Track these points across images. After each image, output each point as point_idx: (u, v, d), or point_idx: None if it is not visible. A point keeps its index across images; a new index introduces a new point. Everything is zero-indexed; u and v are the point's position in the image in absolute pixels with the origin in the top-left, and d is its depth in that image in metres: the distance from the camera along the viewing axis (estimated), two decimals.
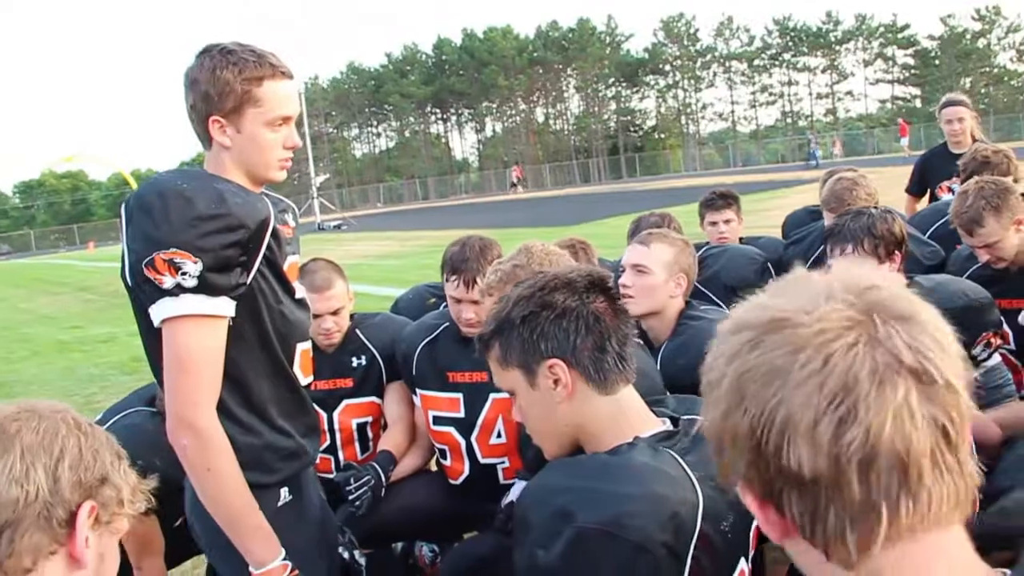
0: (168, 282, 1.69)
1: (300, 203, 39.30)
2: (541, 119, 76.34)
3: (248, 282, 1.79)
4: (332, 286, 3.04)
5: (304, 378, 2.02)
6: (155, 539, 2.63)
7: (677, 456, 1.43)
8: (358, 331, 3.12)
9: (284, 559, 1.82)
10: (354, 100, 76.82)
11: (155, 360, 1.79)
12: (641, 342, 2.39)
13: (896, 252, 2.56)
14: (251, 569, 1.80)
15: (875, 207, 2.70)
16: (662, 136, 72.62)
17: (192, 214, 1.69)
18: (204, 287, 1.70)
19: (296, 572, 1.83)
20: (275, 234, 1.83)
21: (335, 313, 3.06)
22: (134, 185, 32.01)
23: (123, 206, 1.78)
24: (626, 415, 1.51)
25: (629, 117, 73.85)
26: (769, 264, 3.44)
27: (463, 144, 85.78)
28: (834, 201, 3.36)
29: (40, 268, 31.14)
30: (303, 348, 2.01)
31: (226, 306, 1.76)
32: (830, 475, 0.71)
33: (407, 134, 79.59)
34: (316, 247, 23.18)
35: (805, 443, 0.71)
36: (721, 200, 4.05)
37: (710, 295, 3.26)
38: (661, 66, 70.70)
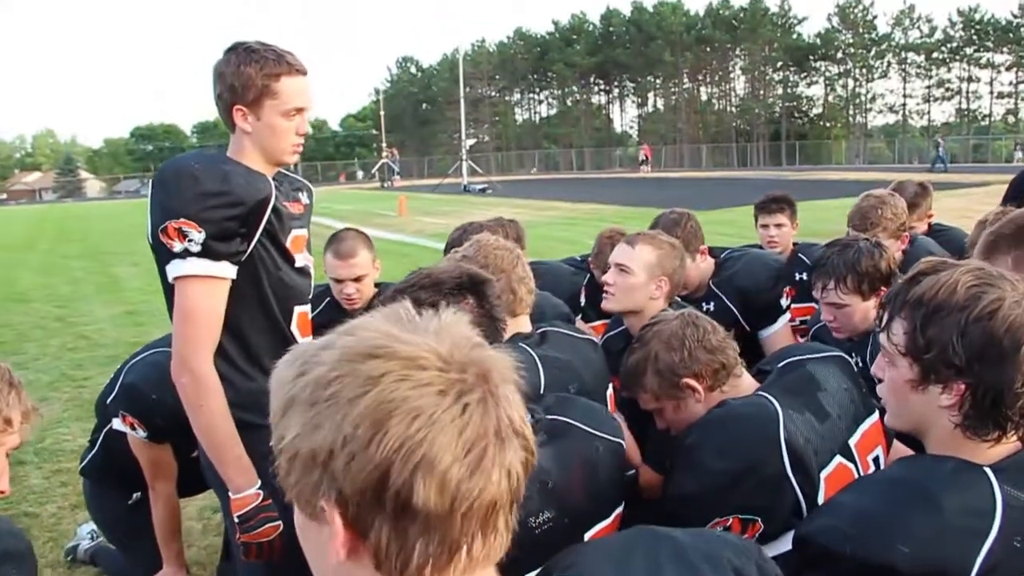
0: (177, 247, 1.99)
1: (450, 164, 40.32)
2: (704, 98, 74.54)
3: (248, 250, 2.07)
4: (356, 254, 3.25)
5: (301, 336, 2.27)
6: (166, 464, 2.92)
7: None
8: (380, 300, 3.32)
9: (258, 489, 2.07)
10: (519, 66, 77.37)
11: (171, 311, 2.09)
12: (592, 338, 2.45)
13: (881, 288, 2.52)
14: (229, 494, 2.08)
15: (865, 239, 2.65)
16: (827, 125, 69.46)
17: (198, 190, 1.98)
18: (207, 252, 1.99)
19: (268, 502, 2.07)
20: (276, 211, 2.10)
21: (357, 280, 3.27)
22: None
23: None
24: None
25: (795, 103, 70.98)
26: (802, 273, 3.36)
27: (623, 117, 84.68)
28: (857, 218, 3.27)
29: None
30: (300, 310, 2.28)
31: (227, 269, 2.04)
32: (442, 514, 0.78)
33: (568, 103, 79.44)
34: (453, 207, 23.86)
35: (436, 483, 0.77)
36: (773, 203, 3.99)
37: (723, 297, 3.25)
38: (833, 53, 67.43)
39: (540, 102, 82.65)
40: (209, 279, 2.02)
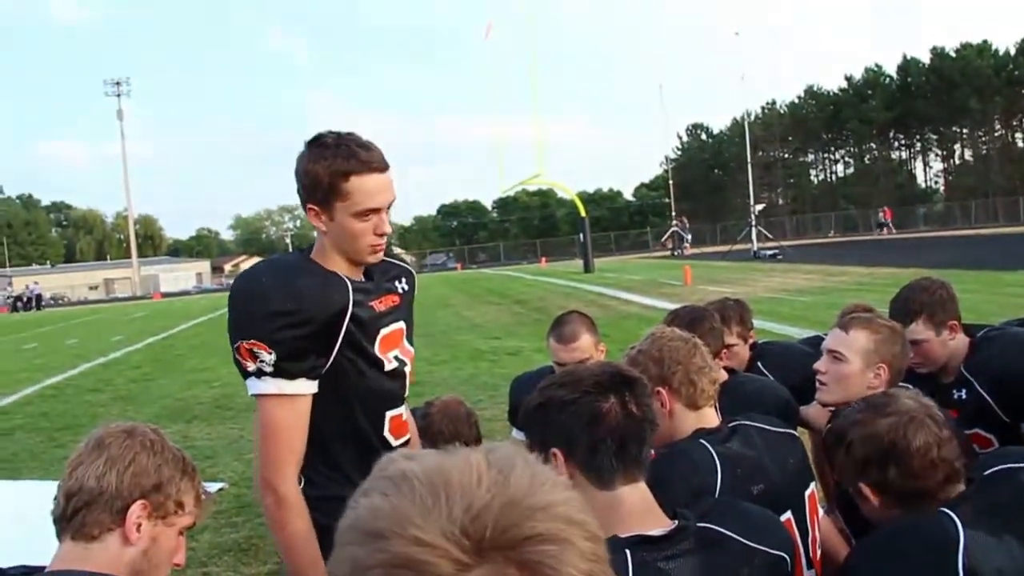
0: (251, 367, 1.94)
1: (739, 229, 39.53)
2: (1021, 145, 66.81)
3: (328, 364, 1.99)
4: (577, 338, 3.27)
5: (395, 439, 2.21)
6: None
7: (650, 560, 1.47)
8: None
9: None
10: (812, 125, 74.54)
11: None
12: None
13: None
14: None
15: None
16: None
17: (267, 309, 1.91)
18: (280, 372, 1.93)
19: None
20: (356, 319, 2.01)
21: (579, 364, 3.30)
22: (582, 210, 35.01)
23: None
24: (618, 511, 1.55)
25: None
26: None
27: (927, 172, 78.11)
28: None
29: (495, 279, 35.16)
30: (393, 414, 2.20)
31: (305, 386, 1.97)
32: None
33: (866, 160, 75.04)
34: (740, 275, 23.27)
35: None
36: None
37: (974, 382, 2.88)
38: None
39: (836, 161, 78.83)
40: (285, 397, 1.95)
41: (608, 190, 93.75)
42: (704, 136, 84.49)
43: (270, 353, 1.91)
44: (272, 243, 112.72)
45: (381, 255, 2.12)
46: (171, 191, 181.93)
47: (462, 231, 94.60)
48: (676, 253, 43.17)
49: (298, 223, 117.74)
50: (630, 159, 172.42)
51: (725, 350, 3.09)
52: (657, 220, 79.76)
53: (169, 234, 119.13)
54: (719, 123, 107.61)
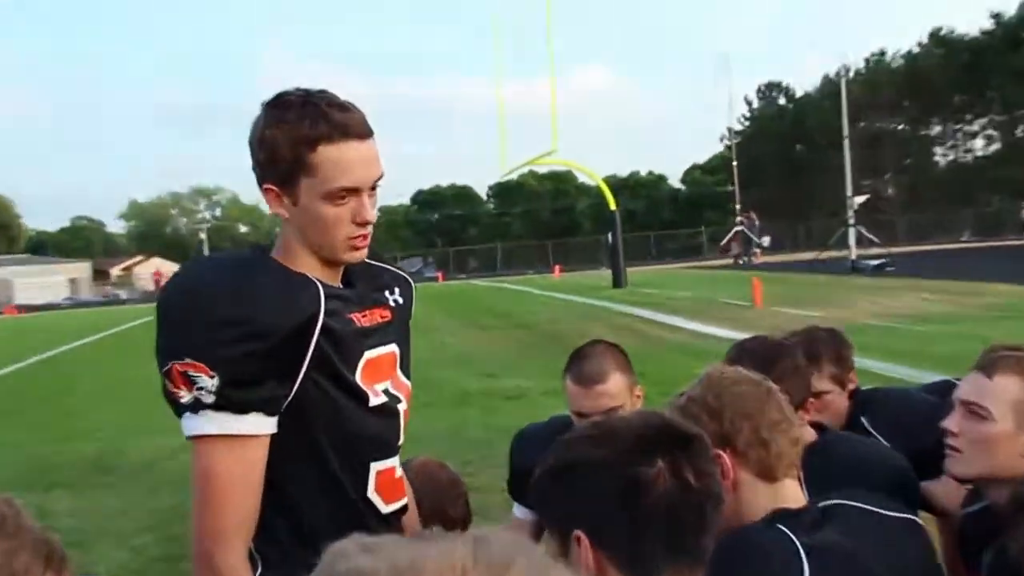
0: (186, 396, 1.95)
1: (832, 229, 39.53)
2: None
3: (290, 393, 2.02)
4: (605, 379, 3.25)
5: (385, 503, 2.24)
6: None
7: None
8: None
9: None
10: (937, 84, 74.40)
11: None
12: None
13: None
14: None
15: None
16: None
17: (210, 317, 1.95)
18: (225, 403, 1.95)
19: None
20: (329, 333, 2.04)
21: (607, 414, 3.26)
22: (611, 201, 35.07)
23: None
24: None
25: None
26: None
27: None
28: None
29: (491, 294, 35.32)
30: (382, 467, 2.23)
31: (260, 423, 2.01)
32: None
33: (1018, 133, 74.77)
34: (834, 294, 23.34)
35: None
36: None
37: None
38: None
39: (973, 135, 78.65)
40: (232, 439, 1.98)
41: (647, 174, 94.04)
42: (783, 100, 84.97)
43: (211, 377, 1.93)
44: (180, 239, 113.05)
45: (364, 253, 2.16)
46: (36, 165, 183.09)
47: (445, 227, 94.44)
48: (742, 261, 43.34)
49: (217, 212, 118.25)
50: (678, 132, 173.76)
51: (813, 399, 3.07)
52: (715, 216, 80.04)
53: (31, 224, 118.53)
54: (804, 82, 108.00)
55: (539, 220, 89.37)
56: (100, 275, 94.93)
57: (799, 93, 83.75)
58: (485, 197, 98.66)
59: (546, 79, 37.20)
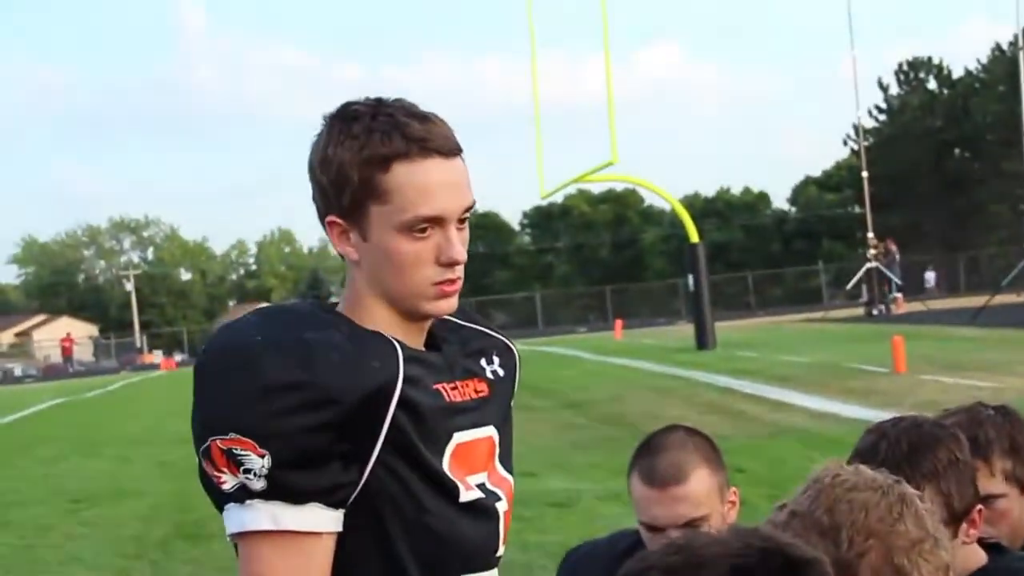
0: (229, 482, 2.05)
1: (1008, 264, 39.16)
2: None
3: (361, 480, 2.09)
4: (684, 479, 3.25)
5: None
6: None
7: None
8: None
9: None
10: None
11: None
12: None
13: None
14: None
15: None
16: None
17: (259, 382, 2.04)
18: (279, 490, 2.04)
19: None
20: (409, 407, 2.11)
21: (689, 525, 3.25)
22: (692, 231, 34.96)
23: None
24: None
25: None
26: None
27: None
28: None
29: (527, 360, 34.58)
30: None
31: (320, 518, 2.08)
32: None
33: None
34: (1009, 356, 23.09)
35: None
36: None
37: None
38: None
39: None
40: (289, 537, 2.05)
41: (742, 192, 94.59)
42: (933, 84, 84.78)
43: (262, 456, 2.02)
44: (96, 290, 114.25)
45: (454, 303, 2.26)
46: None
47: (465, 270, 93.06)
48: (877, 311, 43.16)
49: (148, 254, 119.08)
50: (783, 133, 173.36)
51: (981, 506, 3.04)
52: (839, 248, 79.90)
53: None
54: (964, 58, 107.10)
55: (594, 258, 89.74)
56: None
57: (958, 73, 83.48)
58: (519, 227, 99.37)
59: (599, 61, 37.24)
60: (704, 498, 3.22)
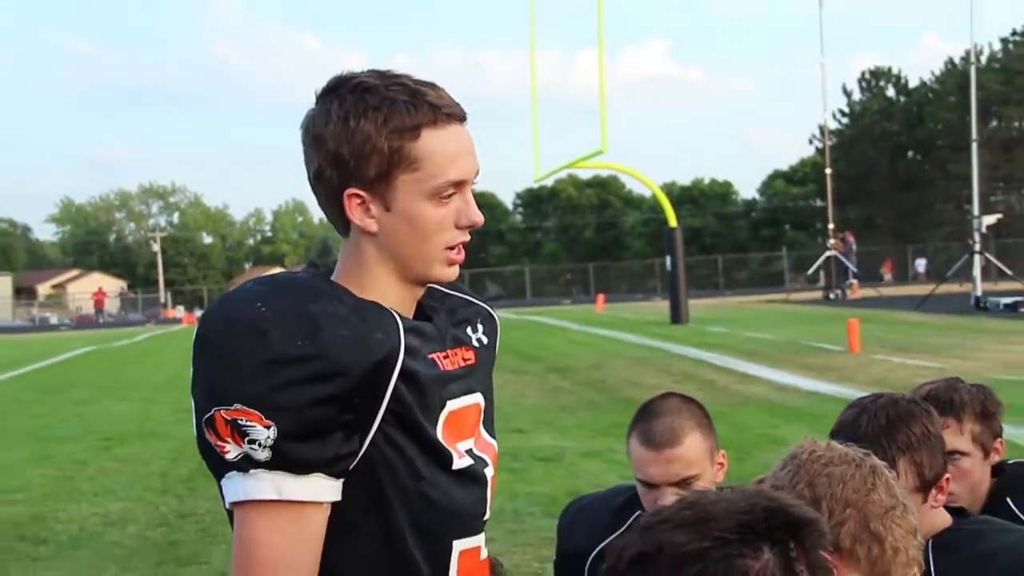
0: (232, 451, 1.95)
1: (953, 257, 39.29)
2: None
3: (360, 450, 2.01)
4: (679, 441, 3.26)
5: None
6: None
7: None
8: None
9: None
10: None
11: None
12: None
13: None
14: None
15: None
16: None
17: (265, 355, 1.94)
18: (283, 461, 1.94)
19: None
20: (409, 377, 2.02)
21: (683, 484, 3.27)
22: (671, 216, 34.91)
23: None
24: None
25: None
26: None
27: None
28: None
29: (516, 328, 34.98)
30: (466, 547, 2.20)
31: (321, 488, 1.99)
32: None
33: None
34: (950, 339, 23.30)
35: None
36: None
37: None
38: None
39: None
40: (287, 506, 1.97)
41: (714, 182, 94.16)
42: (892, 92, 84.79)
43: (268, 427, 1.93)
44: (125, 250, 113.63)
45: (457, 270, 2.19)
46: None
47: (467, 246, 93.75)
48: (835, 295, 43.12)
49: (174, 218, 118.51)
50: (756, 130, 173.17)
51: (948, 475, 3.05)
52: (801, 236, 79.81)
53: None
54: (920, 69, 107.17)
55: (579, 238, 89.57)
56: (23, 293, 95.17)
57: (914, 83, 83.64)
58: (512, 207, 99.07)
59: (592, 56, 36.89)
60: (696, 459, 3.22)
